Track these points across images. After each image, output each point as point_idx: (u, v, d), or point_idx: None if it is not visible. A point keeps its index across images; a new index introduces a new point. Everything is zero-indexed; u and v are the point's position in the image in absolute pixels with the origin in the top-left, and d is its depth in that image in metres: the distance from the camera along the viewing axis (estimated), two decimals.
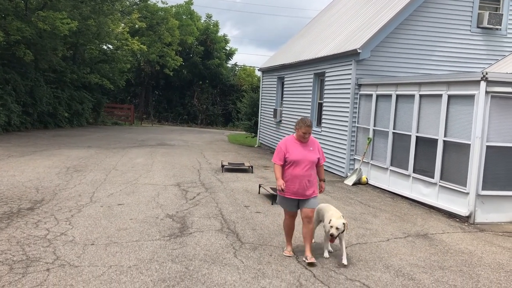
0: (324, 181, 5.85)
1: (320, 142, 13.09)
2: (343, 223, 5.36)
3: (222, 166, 12.34)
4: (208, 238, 6.13)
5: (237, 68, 41.89)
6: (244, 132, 23.95)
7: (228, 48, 40.53)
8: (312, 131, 14.04)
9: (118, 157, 13.77)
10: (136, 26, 28.51)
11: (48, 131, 21.72)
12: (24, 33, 18.82)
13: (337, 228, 5.30)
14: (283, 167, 5.57)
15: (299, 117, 15.42)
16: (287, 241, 5.76)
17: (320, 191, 5.67)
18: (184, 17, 35.39)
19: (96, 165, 12.06)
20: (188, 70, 36.52)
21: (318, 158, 5.63)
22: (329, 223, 5.37)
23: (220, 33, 39.46)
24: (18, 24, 18.52)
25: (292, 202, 5.57)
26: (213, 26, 38.49)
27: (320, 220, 5.89)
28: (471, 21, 12.10)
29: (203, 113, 37.46)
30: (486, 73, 7.67)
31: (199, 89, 37.71)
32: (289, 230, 5.73)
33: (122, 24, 27.37)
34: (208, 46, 36.97)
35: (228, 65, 40.80)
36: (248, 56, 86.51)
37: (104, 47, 28.07)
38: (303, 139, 5.55)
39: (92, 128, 25.36)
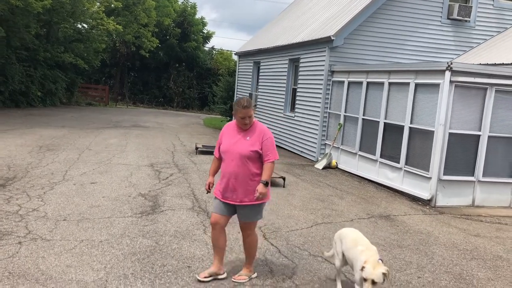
0: (266, 184, 4.14)
1: (292, 127, 13.64)
2: (383, 273, 3.58)
3: (196, 148, 12.47)
4: (179, 216, 6.31)
5: (214, 52, 41.68)
6: (220, 116, 24.04)
7: (205, 31, 40.24)
8: (286, 116, 14.20)
9: (92, 137, 13.74)
10: (112, 5, 27.99)
11: (20, 110, 21.34)
12: None
13: (373, 282, 3.55)
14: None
15: (274, 102, 15.67)
16: (213, 257, 4.43)
17: (256, 196, 4.14)
18: None
19: (69, 144, 12.03)
20: (164, 52, 36.18)
21: (257, 152, 4.19)
22: (362, 270, 3.66)
23: (198, 16, 39.12)
24: None
25: (220, 204, 4.33)
26: (191, 8, 38.09)
27: (342, 252, 4.22)
28: (441, 12, 12.45)
29: (179, 96, 37.26)
30: (451, 63, 7.99)
31: (175, 71, 37.43)
32: (214, 241, 4.37)
33: (98, 3, 26.84)
34: (185, 28, 36.63)
35: (205, 48, 40.53)
36: (226, 40, 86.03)
37: (79, 26, 27.49)
38: (243, 126, 4.28)
39: (66, 108, 25.00)
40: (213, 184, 4.48)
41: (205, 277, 4.26)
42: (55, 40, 26.02)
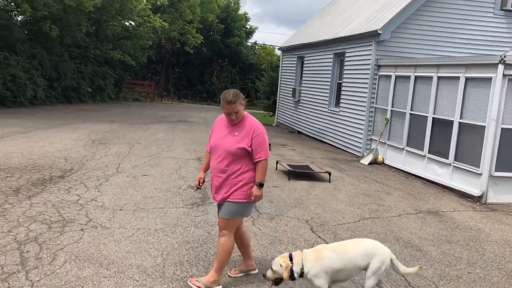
0: (259, 186, 3.89)
1: (338, 122, 13.60)
2: (281, 265, 3.55)
3: None
4: None
5: (256, 47, 41.89)
6: (263, 111, 24.21)
7: (248, 27, 40.52)
8: (330, 111, 14.16)
9: (140, 132, 14.22)
10: (158, 2, 28.72)
11: (72, 105, 22.32)
12: (51, 8, 19.24)
13: (271, 270, 3.62)
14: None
15: (318, 97, 15.62)
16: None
17: (253, 199, 3.91)
18: None
19: (120, 138, 12.52)
20: (208, 48, 36.73)
21: (244, 149, 3.87)
22: None
23: (241, 11, 39.44)
24: (45, 0, 18.93)
25: (217, 206, 4.19)
26: (234, 4, 38.44)
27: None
28: (494, 3, 12.02)
29: (222, 91, 37.76)
30: (504, 56, 7.76)
31: (218, 67, 37.95)
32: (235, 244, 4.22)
33: (144, 1, 27.59)
34: (229, 24, 37.02)
35: (248, 43, 40.83)
36: (268, 34, 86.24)
37: (127, 23, 28.39)
38: (230, 121, 3.97)
39: (114, 104, 25.91)
40: (203, 180, 4.20)
41: (236, 274, 4.25)
42: (104, 37, 26.99)
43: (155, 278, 4.06)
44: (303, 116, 16.73)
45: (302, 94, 17.01)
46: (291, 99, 17.99)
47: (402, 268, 3.79)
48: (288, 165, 9.34)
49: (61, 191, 6.73)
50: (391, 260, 3.70)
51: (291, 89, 18.16)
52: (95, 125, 14.96)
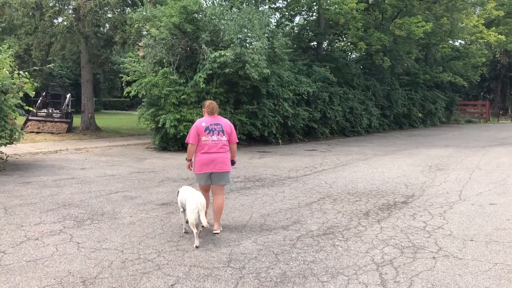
0: (186, 159, 6.35)
1: None
2: None
3: None
4: None
5: None
6: None
7: None
8: None
9: (479, 156, 13.30)
10: (491, 16, 26.56)
11: (404, 131, 22.98)
12: (383, 41, 20.56)
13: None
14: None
15: None
16: None
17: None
18: None
19: (457, 163, 12.02)
20: None
21: None
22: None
23: None
24: (378, 35, 20.39)
25: None
26: None
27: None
28: None
29: None
30: None
31: None
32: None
33: (476, 17, 26.04)
34: None
35: None
36: None
37: (456, 43, 27.45)
38: None
39: (445, 127, 25.25)
40: None
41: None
42: (433, 61, 26.86)
43: None
44: None
45: None
46: None
47: (202, 218, 5.36)
48: None
49: (406, 217, 6.90)
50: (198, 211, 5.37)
51: None
52: (429, 150, 14.89)
